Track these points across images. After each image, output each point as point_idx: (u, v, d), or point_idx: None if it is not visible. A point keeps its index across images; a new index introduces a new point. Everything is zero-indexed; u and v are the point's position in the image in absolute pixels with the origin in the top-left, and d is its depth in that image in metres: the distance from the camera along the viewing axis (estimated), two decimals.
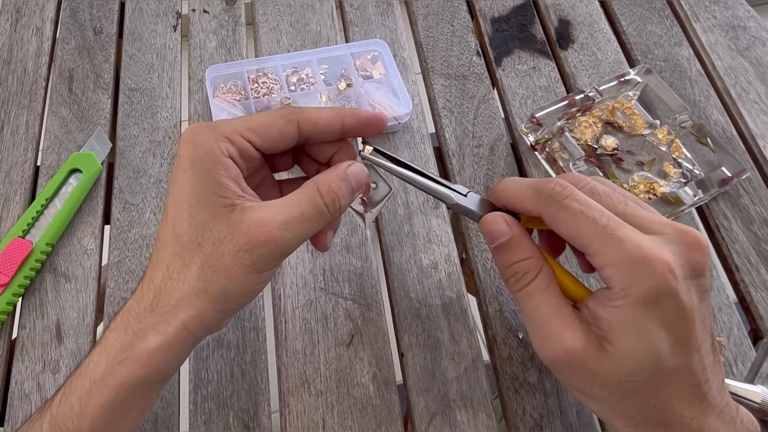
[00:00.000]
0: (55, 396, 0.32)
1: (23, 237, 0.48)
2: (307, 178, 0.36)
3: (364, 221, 0.42)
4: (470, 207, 0.37)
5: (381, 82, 0.56)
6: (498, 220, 0.33)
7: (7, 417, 0.43)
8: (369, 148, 0.37)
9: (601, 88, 0.55)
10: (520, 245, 0.33)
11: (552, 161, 0.53)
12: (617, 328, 0.29)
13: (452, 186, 0.37)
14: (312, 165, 0.37)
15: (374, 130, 0.35)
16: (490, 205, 0.37)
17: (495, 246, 0.33)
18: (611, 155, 0.53)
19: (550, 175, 0.53)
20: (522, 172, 0.54)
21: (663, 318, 0.29)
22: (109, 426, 0.31)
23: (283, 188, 0.39)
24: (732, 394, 0.41)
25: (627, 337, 0.29)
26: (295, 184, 0.37)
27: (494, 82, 0.60)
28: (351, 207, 0.39)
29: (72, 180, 0.51)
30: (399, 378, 0.45)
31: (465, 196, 0.37)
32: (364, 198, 0.39)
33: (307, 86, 0.56)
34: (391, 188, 0.39)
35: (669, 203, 0.50)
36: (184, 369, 0.44)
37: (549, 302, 0.31)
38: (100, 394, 0.30)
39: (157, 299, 0.31)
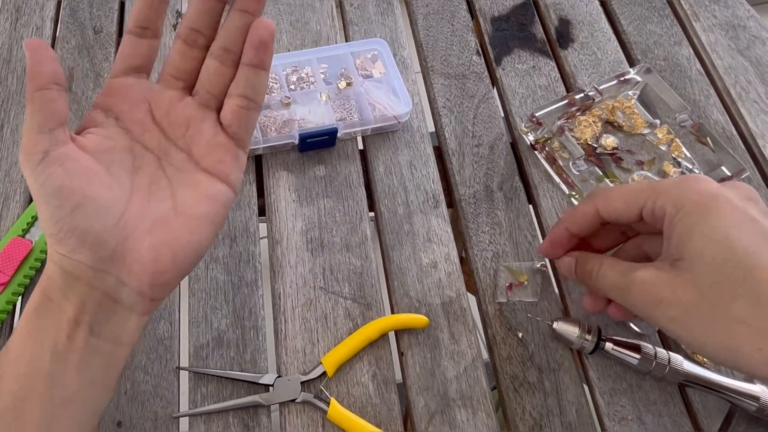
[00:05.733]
0: None
1: (23, 236, 0.48)
2: None
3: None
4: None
5: (381, 81, 0.56)
6: (562, 264, 0.43)
7: None
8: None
9: (601, 87, 0.55)
10: (581, 258, 0.42)
11: (552, 160, 0.53)
12: (683, 239, 0.34)
13: None
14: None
15: None
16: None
17: (577, 275, 0.42)
18: (611, 154, 0.53)
19: (549, 175, 0.53)
20: (522, 172, 0.54)
21: (722, 217, 0.33)
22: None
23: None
24: (732, 393, 0.41)
25: (694, 242, 0.34)
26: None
27: (494, 82, 0.60)
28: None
29: None
30: (399, 377, 0.45)
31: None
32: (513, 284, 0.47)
33: (306, 85, 0.56)
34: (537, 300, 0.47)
35: None
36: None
37: (619, 266, 0.38)
38: None
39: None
